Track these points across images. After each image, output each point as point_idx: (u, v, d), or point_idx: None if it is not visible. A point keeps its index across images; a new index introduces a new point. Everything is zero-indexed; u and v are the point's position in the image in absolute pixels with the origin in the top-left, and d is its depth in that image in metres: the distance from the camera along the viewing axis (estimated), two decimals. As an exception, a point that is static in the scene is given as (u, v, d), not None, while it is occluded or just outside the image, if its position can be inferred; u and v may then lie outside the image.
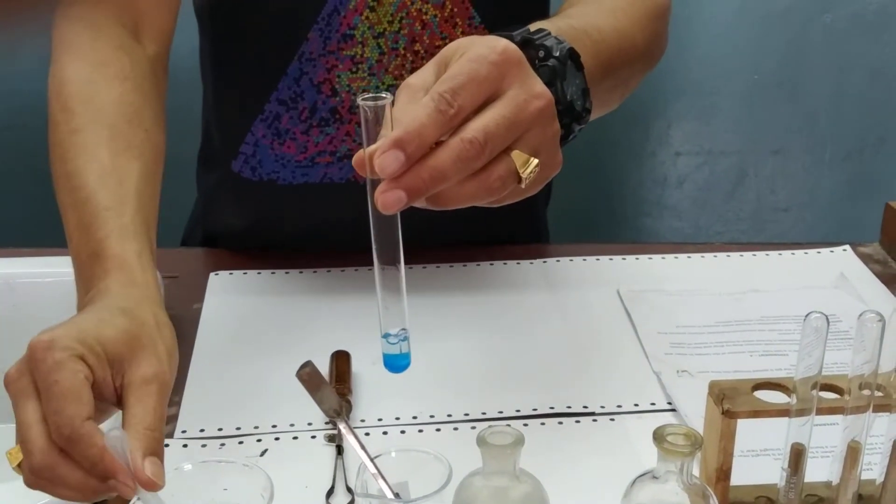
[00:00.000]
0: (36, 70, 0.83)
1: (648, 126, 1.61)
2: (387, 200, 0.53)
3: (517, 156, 0.57)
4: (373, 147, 0.53)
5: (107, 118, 0.73)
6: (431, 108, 0.54)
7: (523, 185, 0.58)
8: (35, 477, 0.54)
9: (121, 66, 0.76)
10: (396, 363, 0.61)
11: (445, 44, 0.84)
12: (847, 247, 0.97)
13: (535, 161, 0.57)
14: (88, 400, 0.54)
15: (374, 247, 0.57)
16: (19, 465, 0.55)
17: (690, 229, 1.66)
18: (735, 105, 1.60)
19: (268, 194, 0.92)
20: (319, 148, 0.90)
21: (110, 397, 0.57)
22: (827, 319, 0.56)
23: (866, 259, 0.95)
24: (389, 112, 0.54)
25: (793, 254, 0.97)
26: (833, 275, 0.92)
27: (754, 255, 0.97)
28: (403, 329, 0.60)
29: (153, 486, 0.53)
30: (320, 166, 0.91)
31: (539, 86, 0.58)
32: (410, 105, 0.55)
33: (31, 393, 0.55)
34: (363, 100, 0.54)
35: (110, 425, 0.57)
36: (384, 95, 0.54)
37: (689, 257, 0.96)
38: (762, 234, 1.66)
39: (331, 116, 0.88)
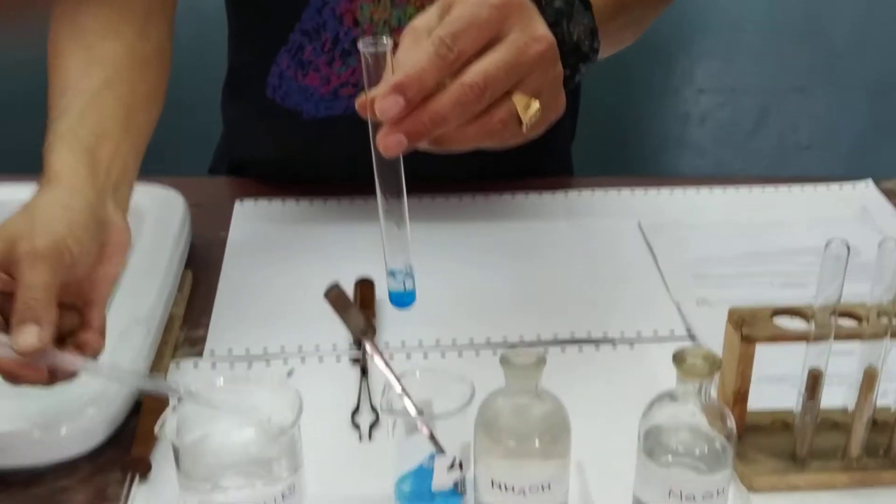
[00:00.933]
0: None
1: (672, 63, 1.60)
2: (388, 144, 0.54)
3: (518, 99, 0.57)
4: (374, 91, 0.54)
5: (85, 37, 0.73)
6: (431, 53, 0.54)
7: (524, 129, 0.58)
8: None
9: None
10: (401, 300, 0.62)
11: None
12: (869, 181, 0.97)
13: (537, 104, 0.58)
14: None
15: (377, 188, 0.58)
16: None
17: (712, 167, 1.66)
18: (758, 43, 1.58)
19: (293, 125, 0.93)
20: (342, 80, 0.90)
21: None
22: (848, 247, 0.57)
23: (889, 194, 0.96)
24: (390, 57, 0.55)
25: (815, 188, 0.97)
26: (855, 209, 0.93)
27: (776, 188, 0.97)
28: (408, 266, 0.60)
29: (25, 351, 0.54)
30: (343, 98, 0.91)
31: (541, 28, 0.58)
32: (413, 49, 0.56)
33: None
34: (363, 45, 0.54)
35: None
36: (384, 41, 0.55)
37: (710, 191, 0.97)
38: (784, 172, 1.66)
39: (353, 48, 0.88)
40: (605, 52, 0.69)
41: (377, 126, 0.55)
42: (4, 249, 0.58)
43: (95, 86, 0.70)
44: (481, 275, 0.83)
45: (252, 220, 0.91)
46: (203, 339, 0.75)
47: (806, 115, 1.65)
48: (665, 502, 0.56)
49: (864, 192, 0.96)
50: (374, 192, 0.93)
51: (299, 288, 0.80)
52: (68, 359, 0.58)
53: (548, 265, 0.85)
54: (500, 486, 0.56)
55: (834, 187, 0.97)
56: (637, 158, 1.66)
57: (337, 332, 0.75)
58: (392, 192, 0.58)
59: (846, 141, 1.67)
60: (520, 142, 0.60)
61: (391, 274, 0.61)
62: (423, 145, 0.57)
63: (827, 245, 0.57)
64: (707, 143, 1.67)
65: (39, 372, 0.57)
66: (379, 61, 0.55)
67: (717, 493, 0.56)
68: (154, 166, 1.07)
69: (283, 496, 0.53)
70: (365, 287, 0.78)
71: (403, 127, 0.54)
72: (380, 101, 0.54)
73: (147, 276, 0.74)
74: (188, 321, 0.77)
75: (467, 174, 0.94)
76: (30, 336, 0.55)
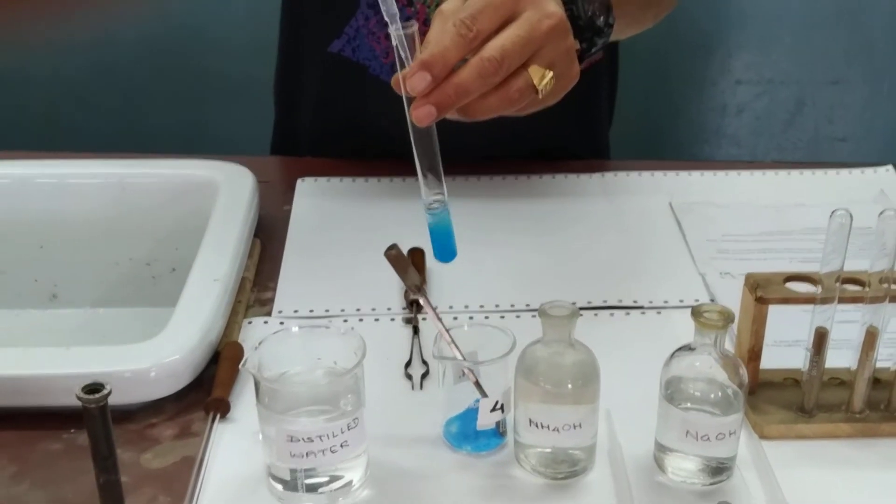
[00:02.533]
0: None
1: (709, 55, 1.65)
2: (420, 114, 0.62)
3: (534, 70, 0.64)
4: (405, 69, 0.62)
5: None
6: (453, 33, 0.62)
7: (540, 96, 0.65)
8: None
9: None
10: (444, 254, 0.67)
11: None
12: (890, 167, 1.03)
13: (550, 74, 0.65)
14: None
15: (415, 157, 0.65)
16: None
17: (748, 157, 1.71)
18: (795, 35, 1.63)
19: (359, 78, 1.00)
20: None
21: None
22: (851, 216, 0.64)
23: (907, 179, 1.02)
24: (418, 38, 0.63)
25: (837, 172, 1.03)
26: (874, 192, 0.99)
27: (801, 173, 1.03)
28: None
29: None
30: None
31: (551, 6, 0.65)
32: (439, 30, 0.63)
33: None
34: (394, 28, 0.63)
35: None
36: (412, 24, 0.63)
37: (738, 174, 1.03)
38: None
39: None
40: (627, 32, 0.75)
41: (411, 101, 0.63)
42: None
43: None
44: (522, 247, 0.91)
45: (313, 195, 0.99)
46: (271, 301, 0.84)
47: (841, 107, 1.69)
48: (682, 442, 0.63)
49: (885, 176, 1.02)
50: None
51: (356, 256, 0.89)
52: None
53: (583, 239, 0.92)
54: (537, 425, 0.64)
55: (856, 172, 1.03)
56: (674, 147, 1.71)
57: (391, 296, 0.84)
58: (428, 161, 0.65)
59: (881, 133, 1.71)
60: (537, 109, 0.67)
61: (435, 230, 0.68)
62: (452, 115, 0.64)
63: (831, 215, 0.64)
64: (743, 134, 1.72)
65: None
66: (408, 42, 0.63)
67: (728, 434, 0.63)
68: (222, 146, 1.16)
69: (348, 427, 0.61)
70: (416, 255, 0.86)
71: (431, 99, 0.62)
72: (409, 77, 0.62)
73: (223, 241, 0.82)
74: (258, 284, 0.86)
75: (512, 154, 1.02)
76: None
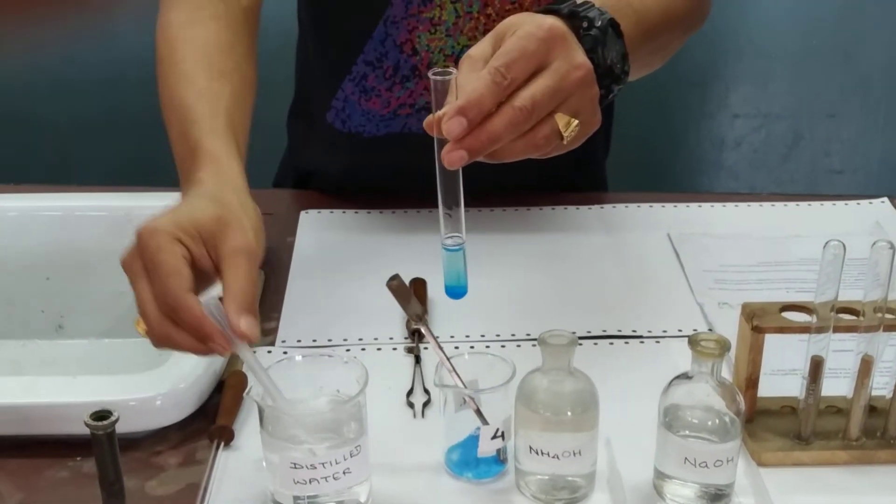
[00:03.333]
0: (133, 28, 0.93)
1: (707, 88, 1.67)
2: (452, 158, 0.64)
3: (560, 118, 0.67)
4: (440, 112, 0.64)
5: (203, 49, 0.85)
6: (489, 81, 0.64)
7: (565, 142, 0.68)
8: (156, 341, 0.65)
9: (215, 9, 0.88)
10: (455, 292, 0.69)
11: (515, 7, 0.93)
12: (885, 199, 1.05)
13: (576, 122, 0.67)
14: (187, 275, 0.64)
15: (440, 197, 0.67)
16: (146, 333, 0.65)
17: (746, 189, 1.73)
18: (791, 69, 1.65)
19: (355, 144, 1.03)
20: (401, 101, 1.00)
21: (209, 270, 0.67)
22: (844, 247, 0.65)
23: (902, 210, 1.03)
24: (455, 84, 0.65)
25: (833, 204, 1.05)
26: (869, 224, 1.00)
27: (797, 204, 1.05)
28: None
29: (247, 338, 0.63)
30: (401, 118, 1.01)
31: (580, 57, 0.67)
32: (471, 75, 0.65)
33: (142, 273, 0.65)
34: (433, 74, 0.65)
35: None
36: (451, 71, 0.65)
37: (736, 206, 1.05)
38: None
39: (411, 73, 0.98)
40: (636, 75, 0.78)
41: (441, 143, 0.65)
42: (207, 227, 0.66)
43: (226, 97, 0.82)
44: (522, 278, 0.92)
45: (316, 228, 1.01)
46: (275, 331, 0.85)
47: (838, 140, 1.71)
48: (681, 469, 0.64)
49: (880, 208, 1.04)
50: (426, 203, 1.04)
51: (359, 287, 0.90)
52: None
53: (582, 270, 0.93)
54: (537, 452, 0.65)
55: (852, 204, 1.05)
56: (672, 180, 1.72)
57: (393, 326, 0.85)
58: (452, 200, 0.67)
59: (877, 165, 1.73)
60: (560, 153, 0.69)
61: (449, 266, 0.70)
62: (479, 158, 0.66)
63: (825, 245, 0.65)
64: (741, 167, 1.74)
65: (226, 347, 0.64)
66: (445, 87, 0.65)
67: (726, 461, 0.64)
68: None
69: (351, 454, 0.62)
70: (419, 285, 0.87)
71: (465, 144, 0.64)
72: (446, 122, 0.63)
73: (228, 273, 0.84)
74: (262, 314, 0.86)
75: (511, 187, 1.03)
76: (254, 327, 0.63)
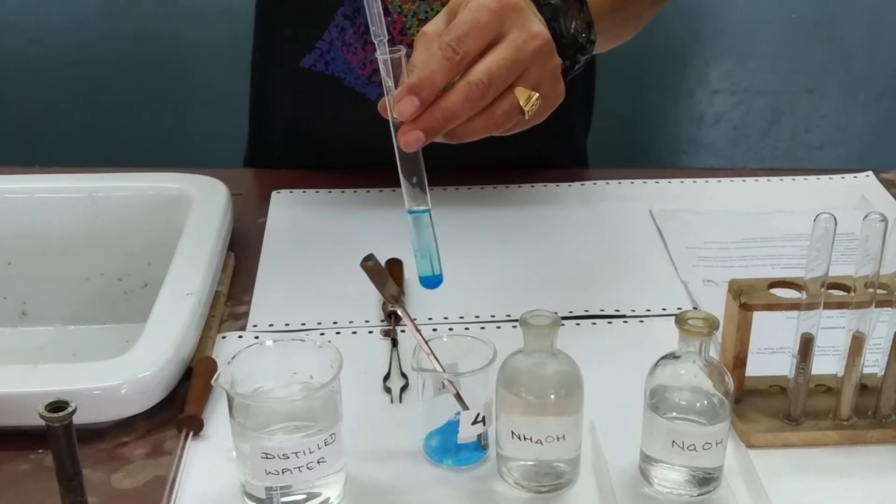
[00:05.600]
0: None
1: (686, 65, 1.66)
2: (408, 140, 0.61)
3: (520, 92, 0.64)
4: (393, 93, 0.61)
5: None
6: (440, 56, 0.61)
7: (527, 117, 0.65)
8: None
9: None
10: (430, 281, 0.67)
11: None
12: (870, 172, 1.03)
13: (537, 95, 0.64)
14: None
15: (402, 180, 0.64)
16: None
17: (726, 165, 1.71)
18: (771, 45, 1.63)
19: (334, 91, 0.99)
20: (374, 66, 0.97)
21: None
22: (835, 220, 0.63)
23: (888, 184, 1.01)
24: (405, 62, 0.62)
25: (818, 179, 1.03)
26: (854, 198, 0.98)
27: (781, 179, 1.03)
28: (433, 248, 0.66)
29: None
30: (376, 85, 0.98)
31: (536, 26, 0.65)
32: (424, 53, 0.62)
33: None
34: (381, 52, 0.62)
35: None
36: (400, 48, 0.62)
37: (718, 181, 1.02)
38: (796, 171, 1.70)
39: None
40: (607, 45, 0.75)
41: (397, 126, 0.62)
42: None
43: None
44: (502, 257, 0.89)
45: (288, 208, 0.98)
46: (246, 315, 0.82)
47: (818, 115, 1.70)
48: (668, 452, 0.62)
49: (865, 182, 1.02)
50: (399, 183, 1.01)
51: (333, 268, 0.87)
52: None
53: (564, 248, 0.91)
54: (519, 438, 0.62)
55: (836, 178, 1.03)
56: (652, 156, 1.71)
57: (369, 308, 0.82)
58: (414, 181, 0.64)
59: (857, 141, 1.72)
60: (523, 129, 0.67)
61: (420, 255, 0.67)
62: (438, 139, 0.63)
63: (815, 219, 0.63)
64: (721, 144, 1.72)
65: None
66: (397, 65, 0.62)
67: (715, 443, 0.62)
68: (195, 159, 1.14)
69: (325, 443, 0.59)
70: (394, 265, 0.84)
71: (419, 124, 0.61)
72: (397, 102, 0.61)
73: (196, 255, 0.80)
74: (232, 298, 0.84)
75: (490, 163, 1.00)
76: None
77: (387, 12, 0.94)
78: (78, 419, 0.67)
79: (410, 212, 0.65)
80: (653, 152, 1.72)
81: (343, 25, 0.96)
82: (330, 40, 0.98)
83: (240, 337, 0.79)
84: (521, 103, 0.64)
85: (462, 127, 0.63)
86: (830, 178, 1.03)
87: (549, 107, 0.67)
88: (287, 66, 1.01)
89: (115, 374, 0.68)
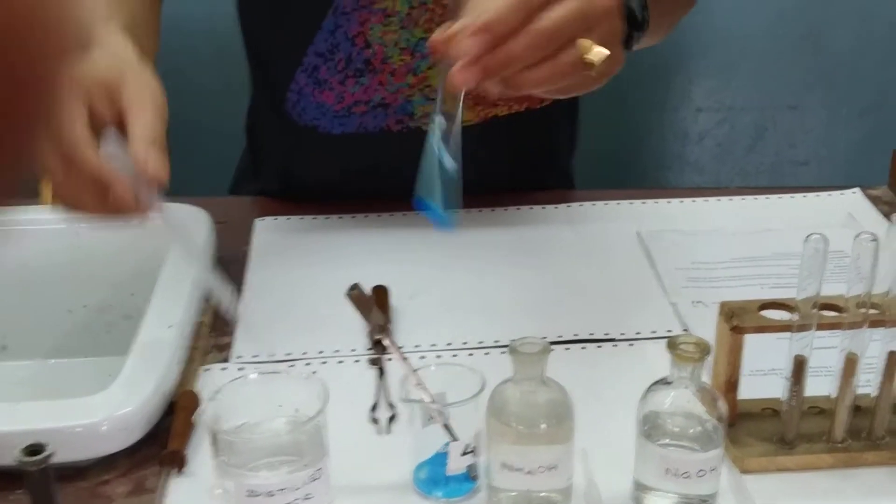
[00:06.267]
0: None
1: (670, 82, 1.65)
2: (463, 77, 0.59)
3: (585, 45, 0.62)
4: (456, 27, 0.59)
5: None
6: (511, 1, 0.60)
7: (593, 73, 0.63)
8: (63, 201, 0.62)
9: None
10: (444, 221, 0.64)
11: None
12: (857, 189, 1.02)
13: (603, 49, 0.62)
14: (83, 125, 0.61)
15: (437, 105, 0.63)
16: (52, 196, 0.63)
17: (711, 184, 1.71)
18: (754, 62, 1.63)
19: (311, 140, 0.99)
20: (355, 98, 0.96)
21: (109, 125, 0.64)
22: (826, 240, 0.62)
23: (875, 201, 1.00)
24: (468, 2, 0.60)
25: (804, 196, 1.02)
26: (842, 215, 0.97)
27: (767, 198, 1.02)
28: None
29: (155, 174, 0.60)
30: (356, 116, 0.97)
31: None
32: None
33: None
34: None
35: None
36: None
37: (706, 201, 1.02)
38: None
39: (364, 67, 0.94)
40: (646, 41, 0.74)
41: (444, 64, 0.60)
42: (108, 78, 0.63)
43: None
44: (490, 281, 0.88)
45: (272, 236, 0.96)
46: (229, 346, 0.80)
47: (802, 131, 1.70)
48: (662, 481, 0.61)
49: (852, 199, 1.01)
50: (385, 207, 1.00)
51: (318, 297, 0.86)
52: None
53: (552, 272, 0.90)
54: (510, 468, 0.61)
55: (823, 195, 1.02)
56: (637, 175, 1.70)
57: (355, 337, 0.81)
58: (449, 115, 0.63)
59: (841, 157, 1.72)
60: (584, 91, 0.65)
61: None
62: (497, 87, 0.61)
63: (806, 239, 0.62)
64: (706, 161, 1.72)
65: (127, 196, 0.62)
66: (457, 2, 0.61)
67: (709, 470, 0.60)
68: (178, 186, 1.12)
69: (312, 478, 0.58)
70: (380, 293, 0.83)
71: (480, 64, 0.59)
72: (465, 38, 0.59)
73: (177, 286, 0.79)
74: (215, 329, 0.82)
75: (475, 185, 0.99)
76: (161, 162, 0.61)
77: (367, 44, 0.93)
78: (58, 458, 0.65)
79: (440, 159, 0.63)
80: (638, 170, 1.71)
81: (316, 64, 0.95)
82: (298, 89, 0.97)
83: (223, 369, 0.77)
84: (586, 55, 0.62)
85: (523, 75, 0.61)
86: (817, 196, 1.02)
87: (610, 72, 0.65)
88: (272, 108, 1.01)
89: (95, 411, 0.67)
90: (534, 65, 0.61)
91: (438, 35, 0.60)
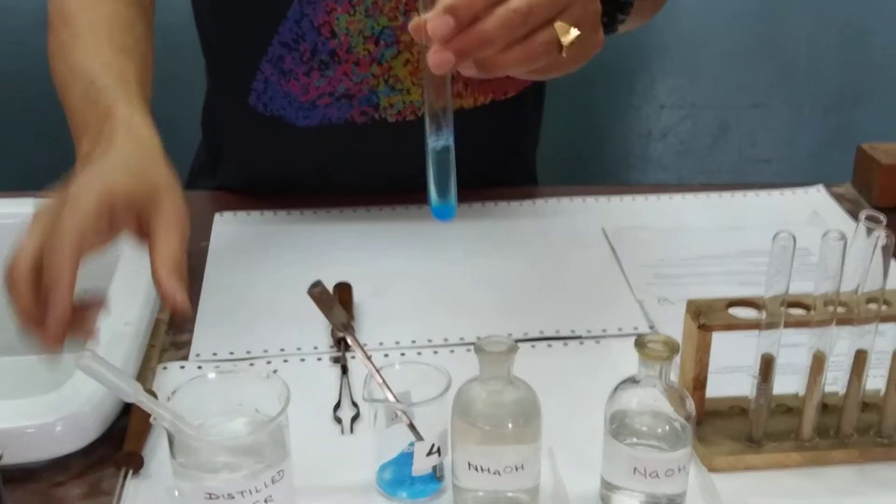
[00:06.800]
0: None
1: (633, 80, 1.65)
2: (437, 60, 0.59)
3: (559, 26, 0.61)
4: (427, 13, 0.59)
5: (104, 26, 0.82)
6: None
7: (564, 54, 0.62)
8: (10, 294, 0.62)
9: None
10: (443, 212, 0.65)
11: None
12: (821, 187, 1.03)
13: (576, 31, 0.61)
14: (81, 253, 0.62)
15: (426, 96, 0.62)
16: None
17: (673, 181, 1.71)
18: (717, 60, 1.64)
19: (275, 132, 0.97)
20: (320, 91, 0.94)
21: (130, 238, 0.66)
22: (794, 239, 0.61)
23: (839, 198, 1.01)
24: None
25: (769, 194, 1.02)
26: (807, 213, 0.97)
27: (732, 195, 1.02)
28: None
29: (178, 303, 0.61)
30: (320, 108, 0.95)
31: None
32: None
33: (47, 224, 0.63)
34: None
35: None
36: None
37: (670, 198, 1.01)
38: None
39: (330, 59, 0.92)
40: (630, 24, 0.73)
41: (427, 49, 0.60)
42: (140, 198, 0.65)
43: (133, 70, 0.79)
44: (455, 279, 0.87)
45: (231, 230, 0.94)
46: (188, 343, 0.78)
47: (764, 129, 1.70)
48: (630, 480, 0.60)
49: (817, 196, 1.01)
50: (349, 202, 0.98)
51: (279, 293, 0.84)
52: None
53: (517, 269, 0.89)
54: (476, 469, 0.60)
55: (787, 192, 1.02)
56: (600, 172, 1.70)
57: (317, 334, 0.79)
58: (437, 112, 0.62)
59: (803, 154, 1.73)
60: (558, 74, 0.64)
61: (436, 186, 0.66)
62: (471, 71, 0.61)
63: (774, 237, 0.61)
64: (669, 158, 1.72)
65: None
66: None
67: (677, 469, 0.60)
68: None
69: (272, 481, 0.57)
70: (343, 290, 0.81)
71: (452, 45, 0.59)
72: (432, 21, 0.58)
73: (134, 283, 0.77)
74: (173, 326, 0.80)
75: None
76: (182, 292, 0.62)
77: (333, 34, 0.91)
78: (9, 459, 0.64)
79: (430, 145, 0.63)
80: (601, 167, 1.71)
81: (281, 54, 0.93)
82: (264, 79, 0.95)
83: (182, 367, 0.75)
84: (560, 37, 0.61)
85: (497, 57, 0.61)
86: (782, 193, 1.02)
87: (585, 55, 0.65)
88: (233, 100, 0.99)
89: (49, 411, 0.65)
90: (508, 46, 0.60)
91: (418, 19, 0.60)
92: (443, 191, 0.63)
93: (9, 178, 1.40)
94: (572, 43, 0.61)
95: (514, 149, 1.07)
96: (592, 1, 0.64)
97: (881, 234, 0.61)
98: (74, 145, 0.75)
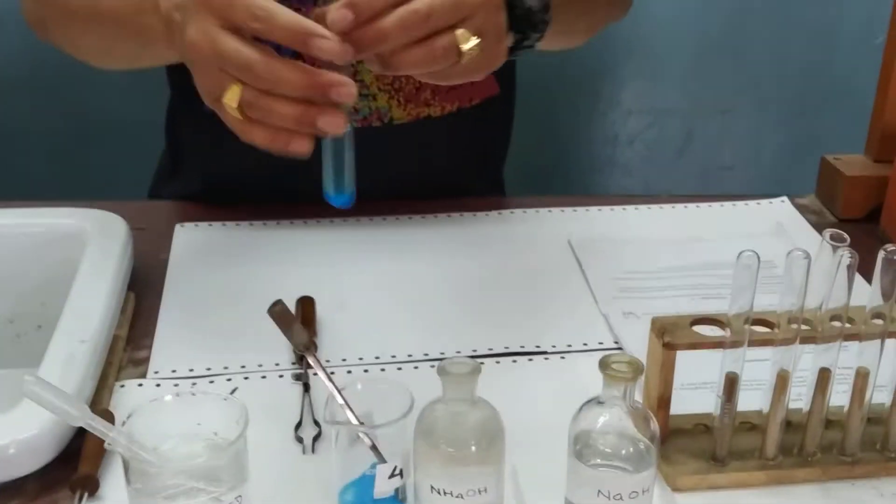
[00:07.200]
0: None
1: (600, 86, 1.65)
2: (334, 49, 0.60)
3: (461, 33, 0.63)
4: (327, 6, 0.60)
5: None
6: None
7: (463, 61, 0.63)
8: (255, 100, 0.63)
9: None
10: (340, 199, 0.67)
11: None
12: (785, 198, 1.03)
13: (477, 40, 0.63)
14: None
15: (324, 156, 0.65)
16: (239, 107, 0.64)
17: (640, 187, 1.72)
18: (683, 67, 1.64)
19: (234, 138, 0.95)
20: None
21: None
22: (758, 257, 0.61)
23: (803, 210, 1.01)
24: None
25: (734, 205, 1.02)
26: (771, 224, 0.98)
27: (698, 206, 1.02)
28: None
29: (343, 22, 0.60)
30: None
31: None
32: None
33: (220, 29, 0.63)
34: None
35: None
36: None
37: (636, 209, 1.01)
38: (708, 191, 1.70)
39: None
40: (557, 41, 0.74)
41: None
42: None
43: None
44: (420, 291, 0.86)
45: (192, 242, 0.93)
46: (146, 360, 0.77)
47: (729, 136, 1.71)
48: (594, 501, 0.59)
49: (781, 208, 1.02)
50: (313, 213, 0.97)
51: (240, 308, 0.83)
52: None
53: (482, 281, 0.88)
54: (439, 492, 0.59)
55: (752, 204, 1.02)
56: (567, 179, 1.70)
57: (279, 350, 0.78)
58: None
59: (767, 161, 1.74)
60: (458, 81, 0.66)
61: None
62: (374, 65, 0.63)
63: (738, 256, 0.61)
64: (635, 164, 1.73)
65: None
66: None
67: (642, 491, 0.59)
68: (93, 191, 1.08)
69: (230, 506, 0.55)
70: (306, 304, 0.80)
71: (350, 37, 0.60)
72: (332, 13, 0.60)
73: (91, 298, 0.75)
74: (131, 342, 0.79)
75: (402, 192, 0.97)
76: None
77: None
78: (-40, 483, 0.62)
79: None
80: (567, 173, 1.71)
81: None
82: None
83: (140, 385, 0.74)
84: (459, 43, 0.63)
85: (397, 56, 0.62)
86: (746, 205, 1.02)
87: (487, 65, 0.66)
88: (192, 105, 0.97)
89: (2, 434, 0.63)
90: (408, 46, 0.62)
91: (317, 9, 0.61)
92: (338, 179, 0.65)
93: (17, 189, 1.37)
94: (472, 50, 0.63)
95: (482, 158, 1.06)
96: (496, 12, 0.65)
97: (845, 253, 0.61)
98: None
